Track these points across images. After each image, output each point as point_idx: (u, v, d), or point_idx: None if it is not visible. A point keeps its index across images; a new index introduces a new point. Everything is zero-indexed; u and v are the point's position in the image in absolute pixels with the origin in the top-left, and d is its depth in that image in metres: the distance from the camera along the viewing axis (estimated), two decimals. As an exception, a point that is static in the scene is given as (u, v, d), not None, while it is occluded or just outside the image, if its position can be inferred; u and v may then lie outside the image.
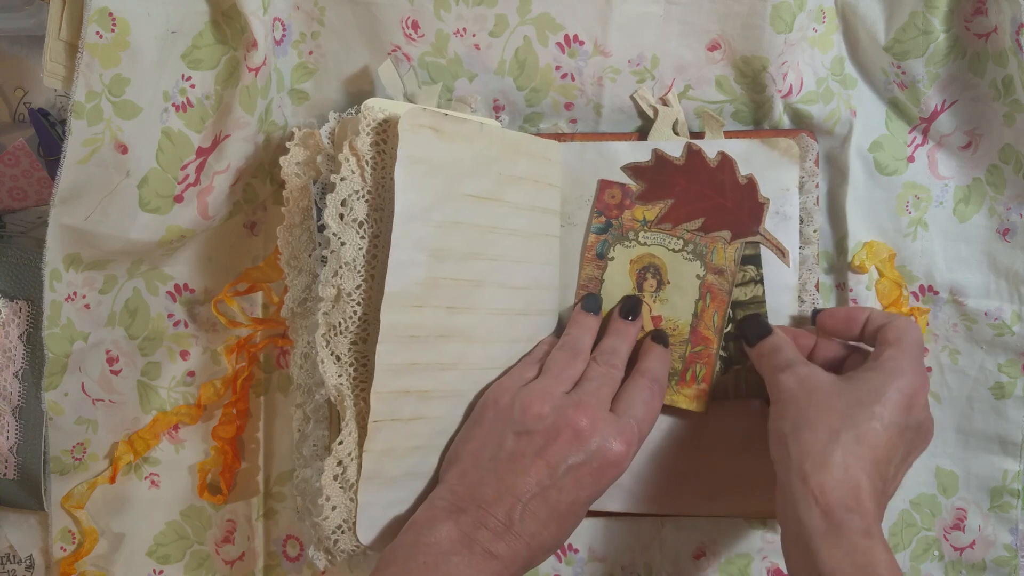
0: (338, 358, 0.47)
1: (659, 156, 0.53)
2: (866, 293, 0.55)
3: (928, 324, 0.56)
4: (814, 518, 0.41)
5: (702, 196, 0.53)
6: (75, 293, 0.50)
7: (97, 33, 0.44)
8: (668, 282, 0.53)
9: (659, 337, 0.52)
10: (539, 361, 0.50)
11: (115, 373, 0.54)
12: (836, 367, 0.50)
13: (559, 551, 0.58)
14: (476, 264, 0.49)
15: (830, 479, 0.42)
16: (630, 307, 0.53)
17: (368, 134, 0.47)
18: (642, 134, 0.55)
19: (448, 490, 0.46)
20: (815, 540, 0.41)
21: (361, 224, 0.47)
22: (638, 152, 0.54)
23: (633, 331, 0.52)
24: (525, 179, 0.52)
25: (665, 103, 0.54)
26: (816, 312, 0.51)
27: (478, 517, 0.44)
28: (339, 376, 0.47)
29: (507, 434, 0.46)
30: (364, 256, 0.47)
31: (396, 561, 0.43)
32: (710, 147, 0.53)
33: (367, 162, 0.47)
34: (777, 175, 0.53)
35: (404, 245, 0.46)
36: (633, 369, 0.50)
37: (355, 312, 0.47)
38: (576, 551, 0.58)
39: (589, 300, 0.53)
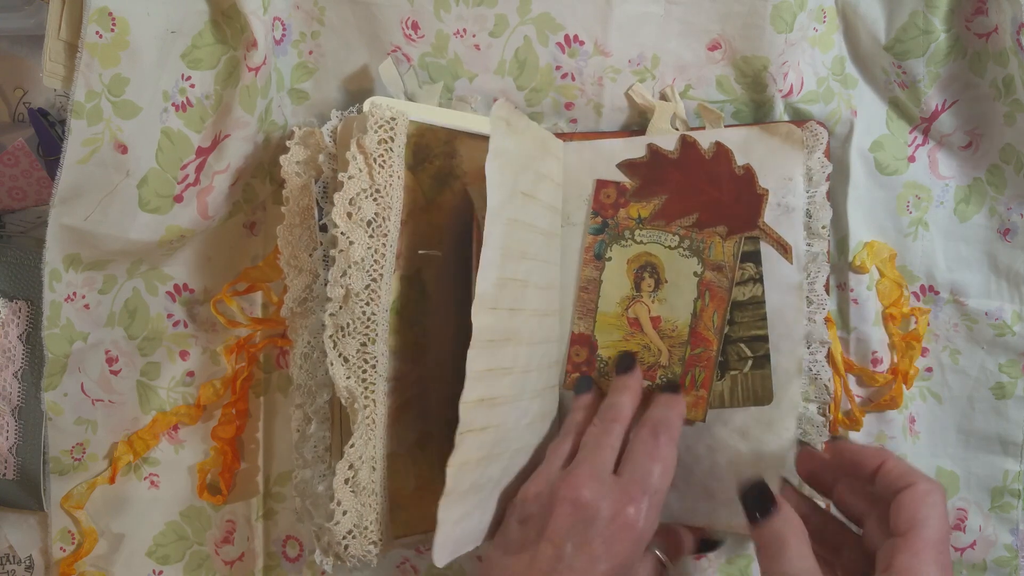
0: (346, 360, 0.46)
1: (653, 151, 0.52)
2: (867, 293, 0.55)
3: (929, 324, 0.56)
4: None
5: (696, 190, 0.52)
6: (75, 293, 0.50)
7: (97, 33, 0.44)
8: (666, 281, 0.53)
9: (668, 386, 0.51)
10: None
11: (114, 373, 0.54)
12: (891, 496, 0.41)
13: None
14: (525, 264, 0.48)
15: None
16: (624, 363, 0.51)
17: (376, 132, 0.47)
18: (641, 132, 0.55)
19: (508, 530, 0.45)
20: None
21: (369, 223, 0.47)
22: (633, 148, 0.53)
23: (633, 383, 0.50)
24: (549, 177, 0.52)
25: (664, 98, 0.54)
26: (832, 439, 0.49)
27: None
28: (348, 378, 0.46)
29: (512, 525, 0.44)
30: (373, 255, 0.47)
31: None
32: (706, 137, 0.52)
33: (375, 160, 0.47)
34: (778, 163, 0.50)
35: (492, 243, 0.44)
36: (639, 421, 0.47)
37: (363, 312, 0.46)
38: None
39: (581, 383, 0.52)
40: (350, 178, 0.46)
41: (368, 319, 0.47)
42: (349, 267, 0.46)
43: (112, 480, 0.55)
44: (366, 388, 0.47)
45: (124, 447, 0.55)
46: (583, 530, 0.41)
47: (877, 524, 0.42)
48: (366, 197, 0.46)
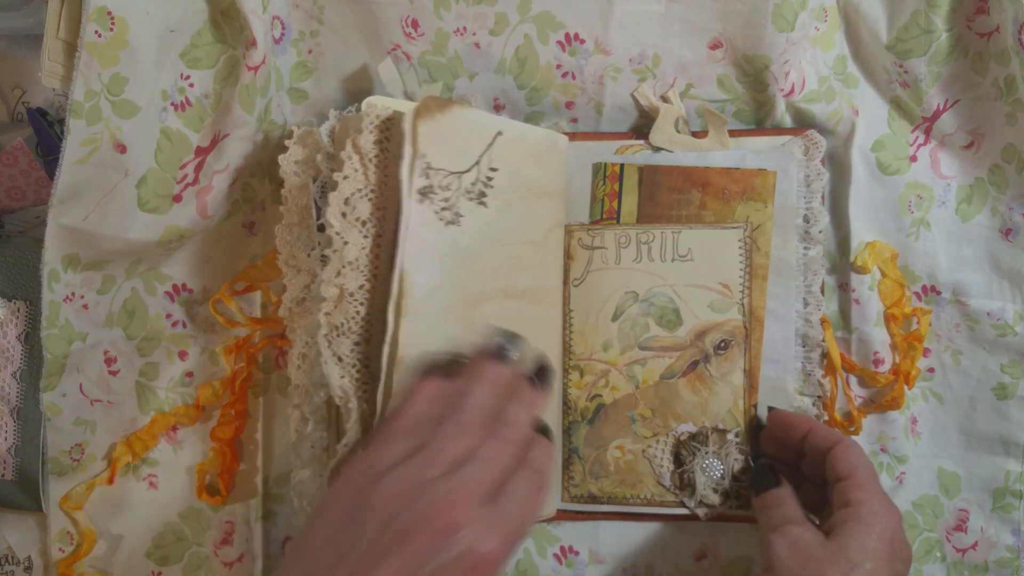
0: (340, 359, 0.46)
1: None
2: (868, 293, 0.55)
3: (931, 324, 0.56)
4: None
5: None
6: (73, 294, 0.50)
7: (96, 32, 0.44)
8: None
9: (543, 429, 0.45)
10: (411, 430, 0.41)
11: (113, 374, 0.53)
12: (821, 456, 0.49)
13: (560, 553, 0.57)
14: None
15: None
16: (541, 372, 0.46)
17: (372, 132, 0.46)
18: (642, 133, 0.55)
19: None
20: None
21: (364, 223, 0.46)
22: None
23: (540, 401, 0.45)
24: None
25: (666, 100, 0.54)
26: (770, 410, 0.53)
27: None
28: (342, 377, 0.46)
29: (366, 530, 0.38)
30: (367, 255, 0.47)
31: None
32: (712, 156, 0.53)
33: (370, 160, 0.47)
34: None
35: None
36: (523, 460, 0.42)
37: (358, 312, 0.46)
38: (576, 553, 0.57)
39: (434, 364, 0.44)
40: (345, 178, 0.46)
41: (363, 319, 0.47)
42: (343, 267, 0.46)
43: (111, 481, 0.55)
44: (359, 388, 0.47)
45: (123, 448, 0.55)
46: (445, 556, 0.38)
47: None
48: (361, 197, 0.46)
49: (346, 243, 0.46)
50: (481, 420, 0.42)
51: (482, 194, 0.48)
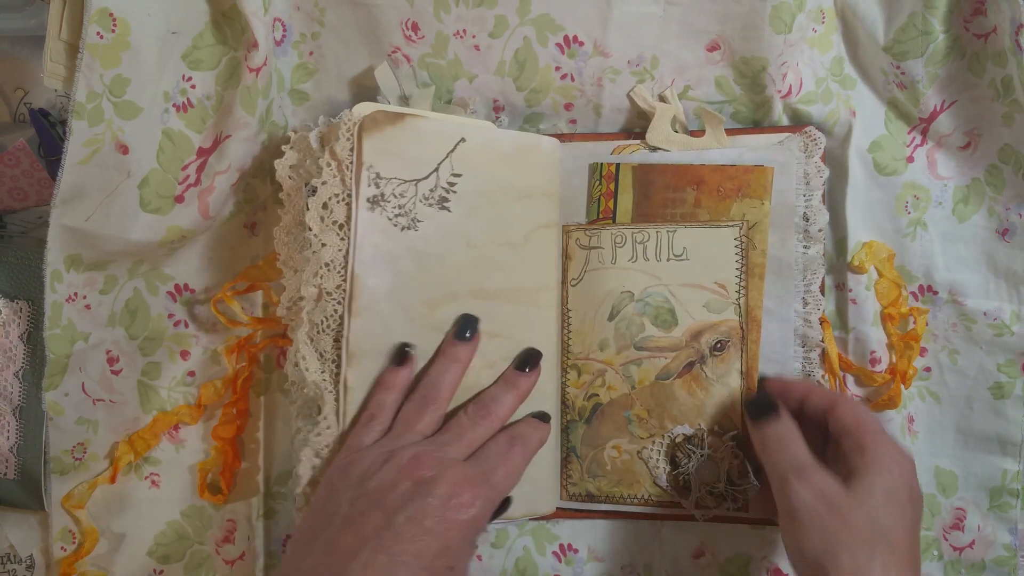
0: (321, 355, 0.48)
1: None
2: (865, 293, 0.55)
3: (927, 324, 0.56)
4: None
5: None
6: (76, 294, 0.50)
7: (98, 34, 0.44)
8: None
9: (540, 415, 0.50)
10: (376, 415, 0.47)
11: (115, 373, 0.54)
12: (822, 417, 0.49)
13: (559, 551, 0.58)
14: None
15: None
16: (528, 360, 0.50)
17: (348, 139, 0.48)
18: (640, 134, 0.55)
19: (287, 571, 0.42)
20: None
21: (341, 226, 0.48)
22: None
23: (525, 385, 0.50)
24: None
25: (663, 100, 0.54)
26: (761, 379, 0.52)
27: None
28: (321, 372, 0.48)
29: (342, 502, 0.42)
30: (343, 257, 0.48)
31: None
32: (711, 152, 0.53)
33: (347, 166, 0.48)
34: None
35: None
36: (501, 430, 0.48)
37: (336, 311, 0.48)
38: (576, 551, 0.58)
39: (464, 324, 0.50)
40: (323, 183, 0.48)
41: (340, 317, 0.48)
42: (321, 268, 0.48)
43: (113, 480, 0.55)
44: (335, 382, 0.48)
45: (125, 447, 0.55)
46: (419, 504, 0.41)
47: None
48: (338, 202, 0.48)
49: (324, 245, 0.48)
50: (447, 394, 0.48)
51: (443, 199, 0.50)
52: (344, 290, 0.48)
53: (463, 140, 0.51)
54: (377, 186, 0.48)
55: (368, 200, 0.48)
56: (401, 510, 0.40)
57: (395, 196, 0.49)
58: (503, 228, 0.52)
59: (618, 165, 0.54)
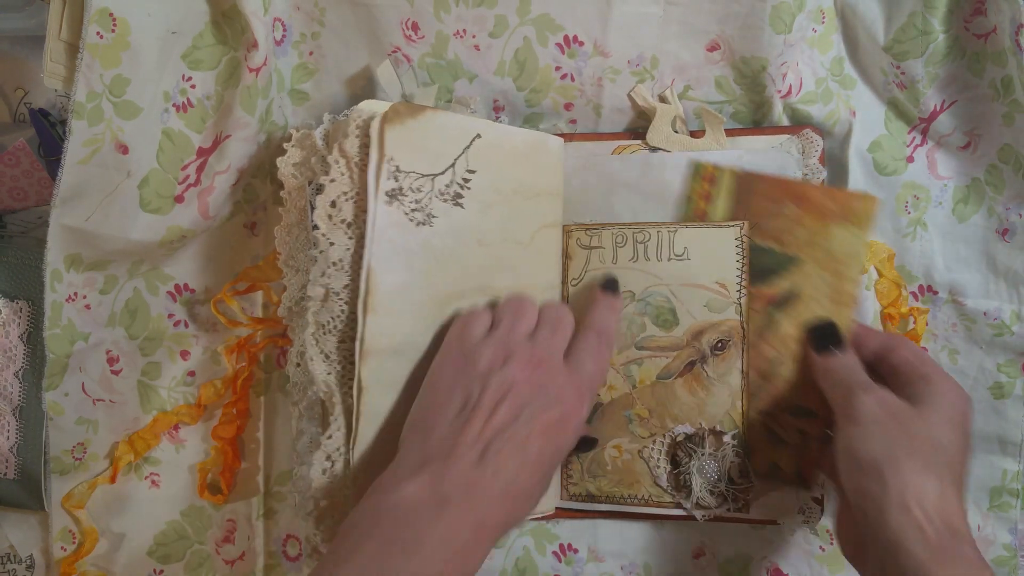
0: (327, 356, 0.48)
1: None
2: (865, 293, 0.55)
3: (927, 324, 0.56)
4: (920, 549, 0.41)
5: None
6: (76, 294, 0.50)
7: (98, 34, 0.44)
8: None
9: (609, 285, 0.53)
10: (489, 310, 0.50)
11: (115, 373, 0.54)
12: (874, 359, 0.50)
13: (559, 551, 0.58)
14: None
15: (933, 507, 0.41)
16: (612, 284, 0.53)
17: (357, 136, 0.47)
18: (640, 134, 0.55)
19: (410, 451, 0.44)
20: (924, 570, 0.40)
21: (349, 224, 0.47)
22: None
23: (611, 301, 0.52)
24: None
25: (663, 100, 0.54)
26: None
27: (444, 470, 0.41)
28: (328, 374, 0.47)
29: (470, 388, 0.45)
30: (352, 256, 0.48)
31: (360, 525, 0.40)
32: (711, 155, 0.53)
33: (355, 164, 0.47)
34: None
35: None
36: (582, 323, 0.50)
37: (342, 311, 0.47)
38: (576, 551, 0.58)
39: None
40: (332, 181, 0.47)
41: (347, 317, 0.48)
42: (328, 267, 0.47)
43: (113, 480, 0.55)
44: (343, 383, 0.48)
45: (125, 447, 0.55)
46: (540, 403, 0.44)
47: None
48: (347, 199, 0.47)
49: (331, 244, 0.47)
50: (533, 299, 0.50)
51: (458, 195, 0.49)
52: (351, 289, 0.47)
53: (479, 136, 0.50)
54: (396, 179, 0.47)
55: (387, 193, 0.47)
56: (525, 407, 0.44)
57: (412, 191, 0.48)
58: (513, 226, 0.52)
59: (720, 168, 0.53)
